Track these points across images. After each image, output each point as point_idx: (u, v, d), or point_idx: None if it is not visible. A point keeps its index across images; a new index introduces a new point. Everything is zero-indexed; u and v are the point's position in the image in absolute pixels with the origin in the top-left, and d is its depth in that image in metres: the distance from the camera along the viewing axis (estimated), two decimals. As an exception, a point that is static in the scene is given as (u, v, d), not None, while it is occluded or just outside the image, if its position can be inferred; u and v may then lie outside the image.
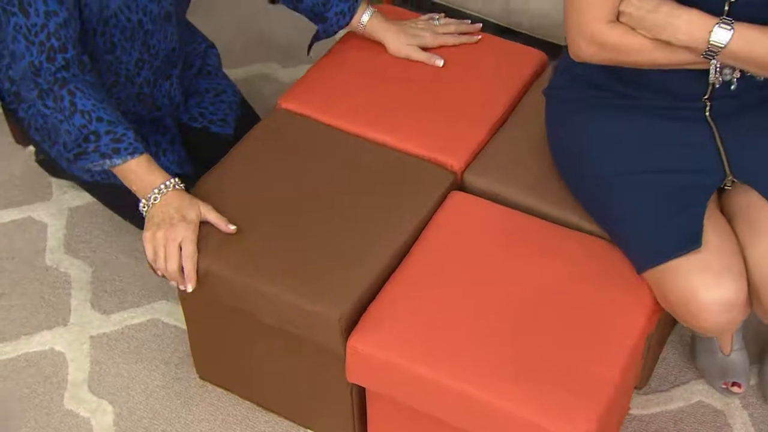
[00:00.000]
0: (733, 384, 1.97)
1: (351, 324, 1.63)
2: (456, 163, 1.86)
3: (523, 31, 2.45)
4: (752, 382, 2.01)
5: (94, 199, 2.37)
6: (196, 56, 2.13)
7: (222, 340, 1.88)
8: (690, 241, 1.56)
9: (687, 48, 1.53)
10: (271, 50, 2.80)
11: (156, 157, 1.99)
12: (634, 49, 1.56)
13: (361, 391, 1.77)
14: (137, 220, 2.09)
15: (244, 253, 1.69)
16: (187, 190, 1.76)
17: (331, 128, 1.93)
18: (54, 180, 2.42)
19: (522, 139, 1.90)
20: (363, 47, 2.06)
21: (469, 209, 1.79)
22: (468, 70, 2.01)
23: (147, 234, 1.70)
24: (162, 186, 1.70)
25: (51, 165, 2.40)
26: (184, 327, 2.11)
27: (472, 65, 2.03)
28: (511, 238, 1.73)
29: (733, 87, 1.60)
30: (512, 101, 1.99)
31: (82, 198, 2.39)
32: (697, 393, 2.00)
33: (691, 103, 1.66)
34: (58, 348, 2.09)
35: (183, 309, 1.90)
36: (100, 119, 1.68)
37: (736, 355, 1.98)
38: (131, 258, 2.26)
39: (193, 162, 2.06)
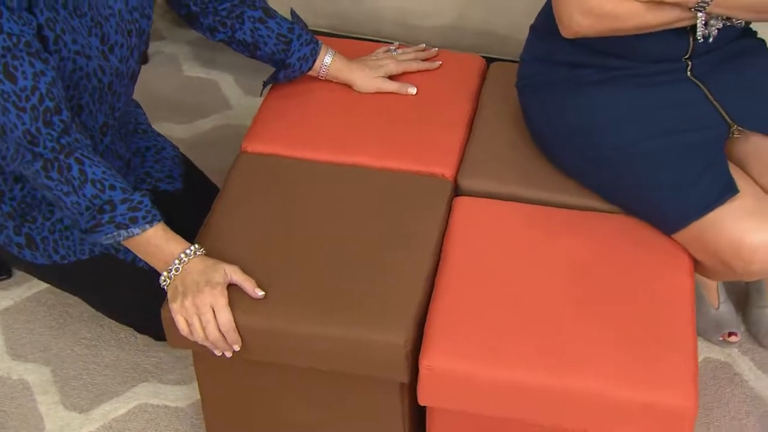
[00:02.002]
0: (730, 334, 2.04)
1: (413, 347, 1.55)
2: (447, 170, 1.82)
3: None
4: (741, 329, 2.08)
5: (26, 296, 2.17)
6: (129, 113, 1.99)
7: (247, 402, 1.74)
8: (726, 189, 1.60)
9: (677, 4, 1.57)
10: (159, 111, 2.66)
11: None
12: (629, 14, 1.58)
13: (415, 419, 1.70)
14: (103, 301, 1.95)
15: (281, 302, 1.58)
16: None
17: (307, 161, 1.84)
18: (-28, 285, 2.20)
19: (497, 136, 1.89)
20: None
21: (480, 211, 1.76)
22: (417, 81, 1.98)
23: (174, 305, 1.55)
24: (182, 255, 1.57)
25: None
26: (177, 404, 1.96)
27: (419, 76, 2.00)
28: (532, 229, 1.72)
29: (710, 39, 1.66)
30: (472, 104, 1.98)
31: (8, 297, 2.17)
32: (701, 351, 2.05)
33: (672, 65, 1.71)
34: (42, 461, 1.89)
35: (198, 379, 1.75)
36: (113, 187, 1.54)
37: (724, 307, 2.06)
38: (89, 348, 2.06)
39: None
